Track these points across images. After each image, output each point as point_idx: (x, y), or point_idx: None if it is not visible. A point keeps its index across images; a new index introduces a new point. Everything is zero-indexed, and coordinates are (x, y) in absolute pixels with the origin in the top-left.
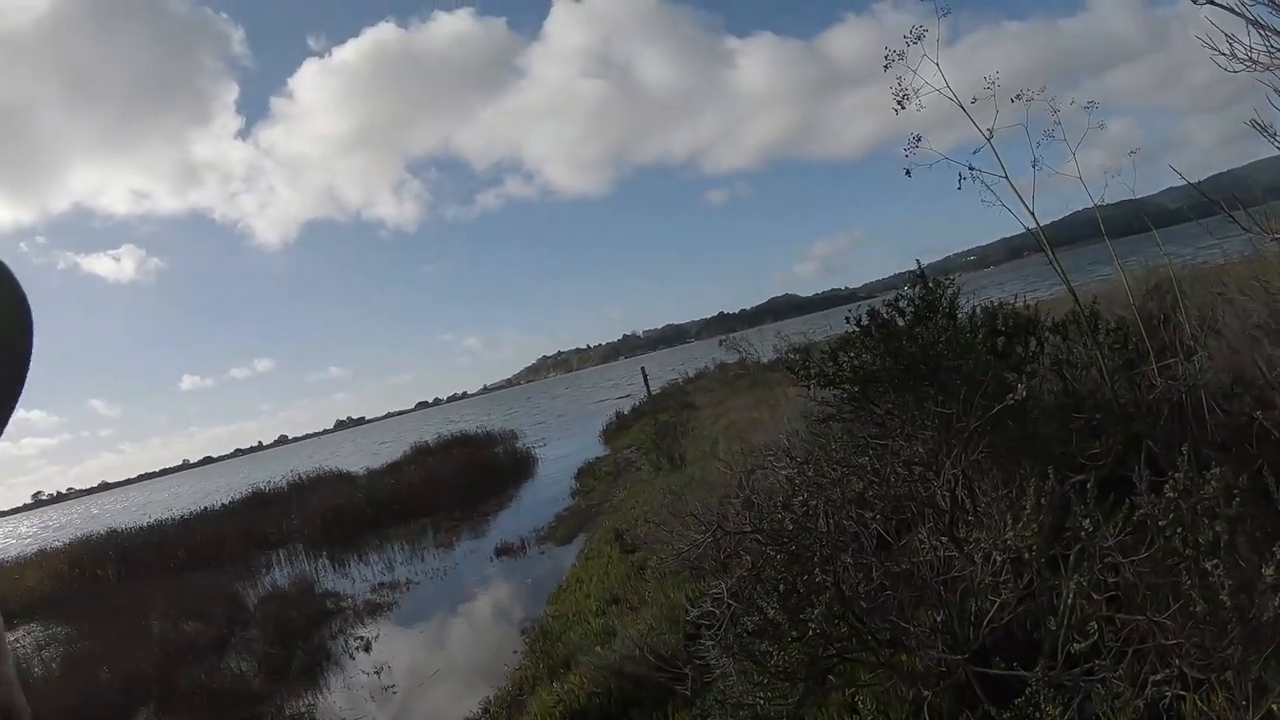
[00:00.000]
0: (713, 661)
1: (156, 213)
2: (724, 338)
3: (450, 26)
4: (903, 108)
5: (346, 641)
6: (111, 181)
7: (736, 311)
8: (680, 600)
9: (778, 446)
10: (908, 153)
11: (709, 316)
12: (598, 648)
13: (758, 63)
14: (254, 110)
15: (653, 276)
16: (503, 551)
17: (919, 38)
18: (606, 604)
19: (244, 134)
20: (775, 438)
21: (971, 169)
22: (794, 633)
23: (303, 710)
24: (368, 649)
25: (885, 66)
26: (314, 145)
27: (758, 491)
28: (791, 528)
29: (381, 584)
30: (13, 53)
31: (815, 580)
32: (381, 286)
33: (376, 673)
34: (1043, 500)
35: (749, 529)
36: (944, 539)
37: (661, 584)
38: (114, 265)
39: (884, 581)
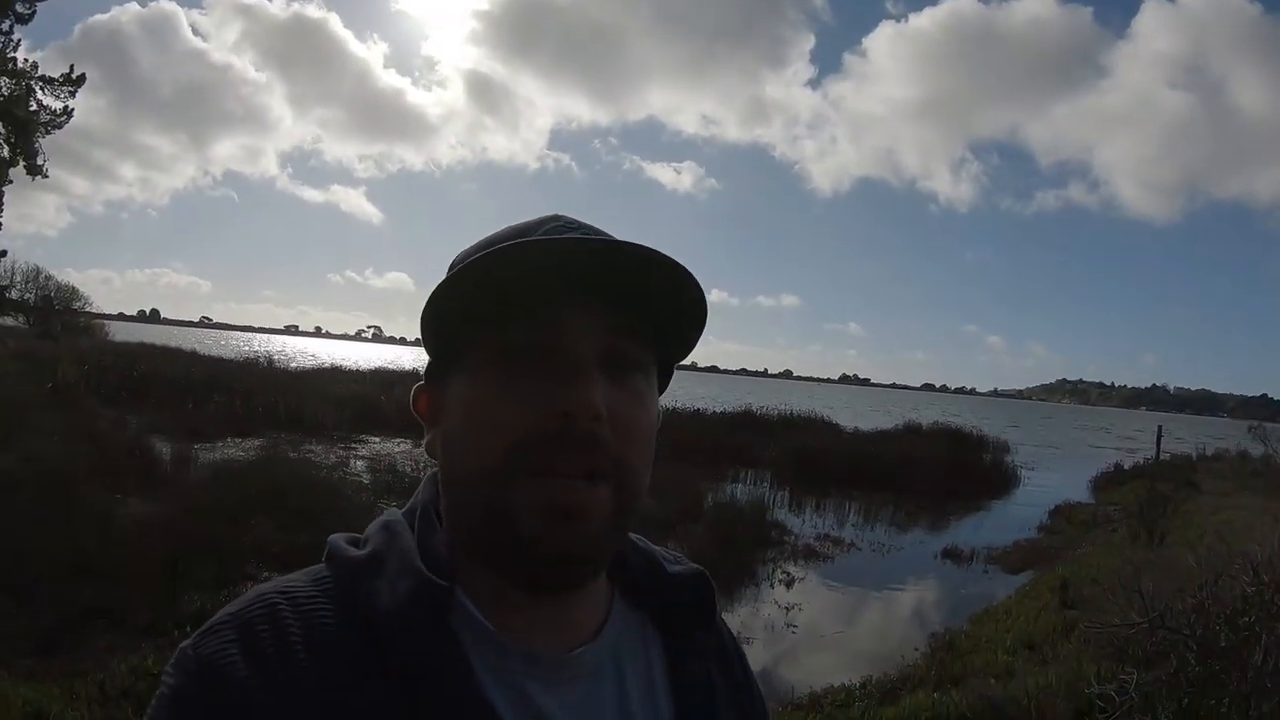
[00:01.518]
0: None
1: (720, 138)
2: (1255, 424)
3: (1032, 8)
4: None
5: (773, 571)
6: (686, 104)
7: None
8: (1089, 673)
9: (1248, 557)
10: None
11: (1251, 395)
12: (991, 679)
13: None
14: (826, 63)
15: (1201, 330)
16: (950, 555)
17: None
18: (1020, 646)
19: (814, 84)
20: (1251, 547)
21: None
22: None
23: None
24: (789, 585)
25: None
26: (880, 106)
27: (1216, 599)
28: (1224, 644)
29: (826, 536)
30: None
31: (1220, 712)
32: (919, 260)
33: (785, 609)
34: None
35: (1186, 632)
36: None
37: (1080, 649)
38: (674, 176)
39: None
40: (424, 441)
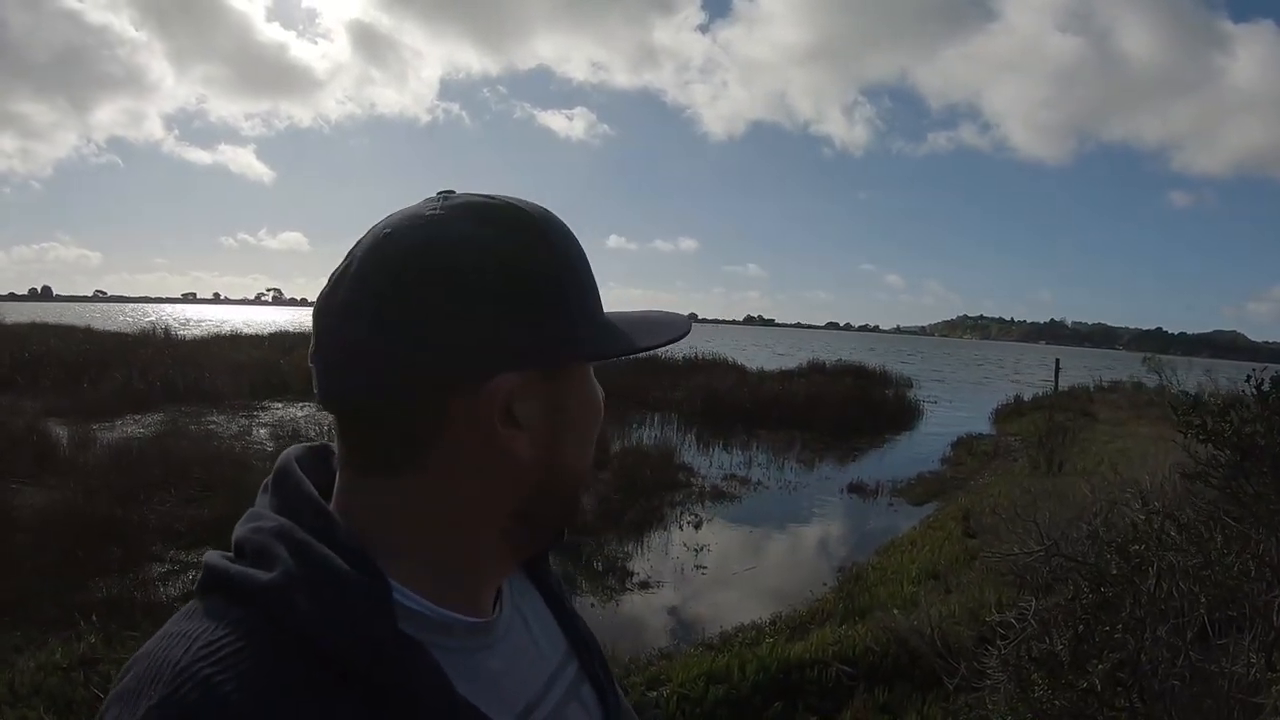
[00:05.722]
0: (989, 670)
1: (611, 84)
2: (1149, 356)
3: None
4: None
5: (681, 514)
6: (574, 50)
7: (1176, 333)
8: (989, 600)
9: (1139, 486)
10: None
11: (1145, 329)
12: (896, 610)
13: (1253, 56)
14: (717, 7)
15: (1095, 267)
16: (855, 489)
17: None
18: (925, 576)
19: (704, 28)
20: (1142, 476)
21: None
22: (1071, 678)
23: (618, 555)
24: (697, 527)
25: None
26: (771, 51)
27: (1109, 527)
28: (1115, 572)
29: (733, 476)
30: None
31: (1114, 637)
32: (816, 202)
33: (694, 550)
34: None
35: (1079, 560)
36: (1260, 657)
37: (983, 577)
38: (566, 123)
39: (1186, 673)
40: (525, 439)
